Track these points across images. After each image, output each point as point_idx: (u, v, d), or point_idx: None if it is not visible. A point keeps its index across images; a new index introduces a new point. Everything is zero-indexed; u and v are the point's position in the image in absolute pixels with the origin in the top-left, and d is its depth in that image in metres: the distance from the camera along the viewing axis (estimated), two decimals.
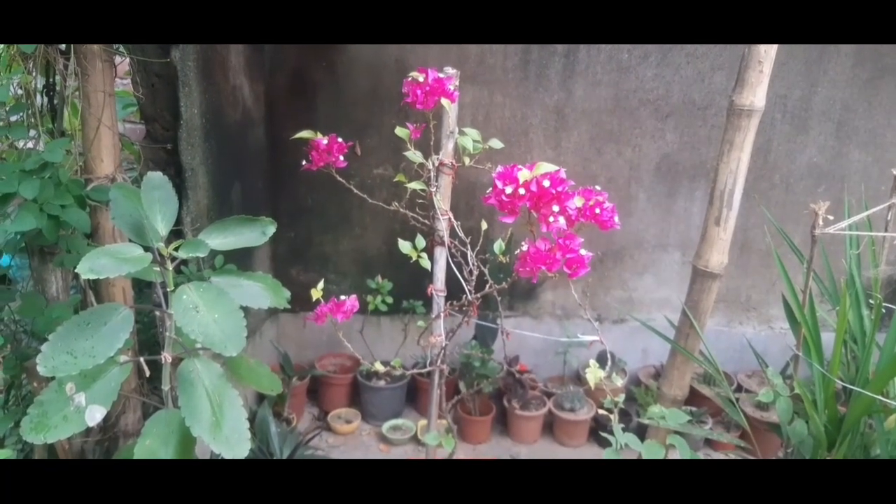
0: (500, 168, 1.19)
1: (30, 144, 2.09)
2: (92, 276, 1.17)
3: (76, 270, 1.17)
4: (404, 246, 1.77)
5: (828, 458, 1.80)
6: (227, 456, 1.31)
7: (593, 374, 1.42)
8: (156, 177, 1.38)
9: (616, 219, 1.25)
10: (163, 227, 1.36)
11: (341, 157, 1.75)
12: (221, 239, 1.42)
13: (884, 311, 1.77)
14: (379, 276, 3.12)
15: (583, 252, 1.18)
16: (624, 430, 1.79)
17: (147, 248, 1.32)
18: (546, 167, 1.14)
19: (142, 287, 2.22)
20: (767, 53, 1.75)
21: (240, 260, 2.45)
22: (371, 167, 3.06)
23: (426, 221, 1.82)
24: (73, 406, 1.32)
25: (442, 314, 1.85)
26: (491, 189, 1.19)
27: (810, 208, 1.68)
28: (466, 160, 1.73)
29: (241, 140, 2.74)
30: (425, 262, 1.78)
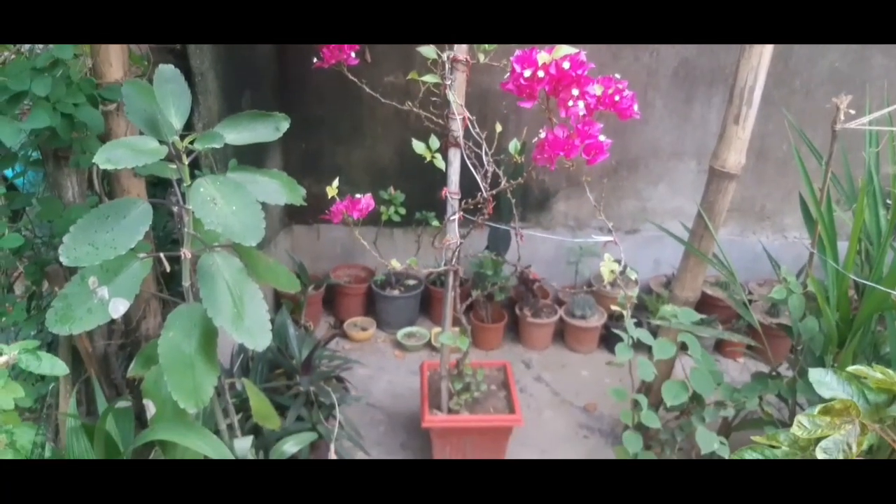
0: (518, 52, 1.16)
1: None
2: (109, 167, 1.17)
3: (94, 161, 1.17)
4: (418, 146, 1.75)
5: (836, 357, 1.82)
6: (250, 346, 1.34)
7: (607, 268, 1.43)
8: (167, 70, 1.36)
9: (636, 107, 1.23)
10: (177, 120, 1.35)
11: (353, 55, 1.71)
12: (235, 134, 1.41)
13: None
14: (391, 187, 3.12)
15: (602, 138, 1.16)
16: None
17: (162, 142, 1.32)
18: (565, 49, 1.11)
19: (154, 194, 2.23)
20: None
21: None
22: (382, 75, 3.00)
23: (440, 121, 1.80)
24: (96, 299, 1.34)
25: (456, 216, 1.86)
26: (509, 74, 1.17)
27: (832, 102, 1.65)
28: (481, 56, 1.70)
29: (249, 47, 2.69)
30: (439, 163, 1.77)
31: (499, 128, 1.77)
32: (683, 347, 1.92)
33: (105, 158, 1.18)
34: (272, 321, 1.42)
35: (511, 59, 1.16)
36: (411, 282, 3.24)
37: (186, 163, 1.36)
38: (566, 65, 1.09)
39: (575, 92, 1.10)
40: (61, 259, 1.22)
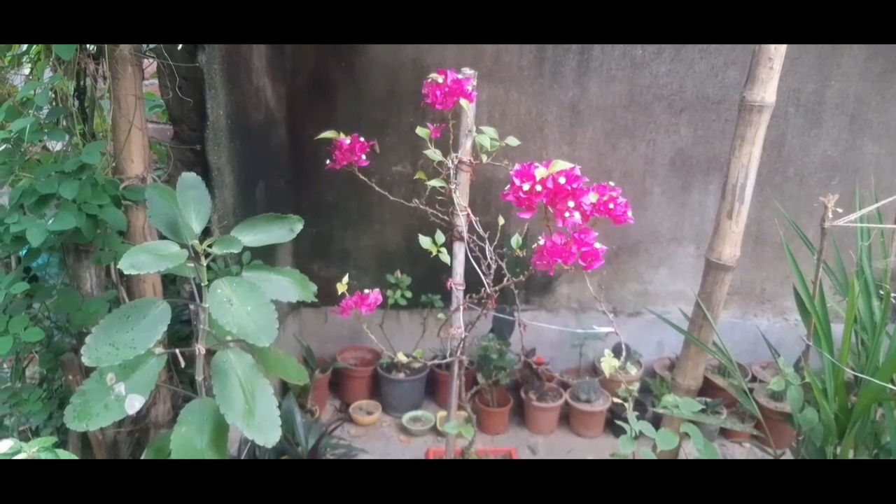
0: (517, 166, 1.24)
1: (57, 146, 2.16)
2: (133, 272, 1.24)
3: (119, 266, 1.25)
4: (424, 241, 1.83)
5: (837, 446, 1.84)
6: (260, 442, 1.38)
7: (608, 364, 1.47)
8: (190, 177, 1.45)
9: (629, 213, 1.30)
10: (197, 225, 1.43)
11: (363, 156, 1.81)
12: (252, 236, 1.49)
13: (894, 301, 1.80)
14: (398, 271, 3.20)
15: (597, 245, 1.23)
16: (639, 419, 1.84)
17: (182, 245, 1.39)
18: (561, 164, 1.19)
19: (166, 284, 2.31)
20: (777, 50, 1.79)
21: (264, 256, 2.52)
22: (390, 165, 3.12)
23: (445, 217, 1.88)
24: (113, 395, 1.39)
25: (461, 307, 1.91)
26: (509, 186, 1.25)
27: (820, 201, 1.72)
28: (484, 157, 1.79)
29: (264, 140, 2.81)
30: (445, 257, 1.83)
31: (501, 221, 1.85)
32: (688, 435, 1.94)
33: (129, 264, 1.25)
34: (279, 406, 1.46)
35: (511, 172, 1.24)
36: (417, 364, 3.26)
37: (205, 264, 1.43)
38: (562, 180, 1.17)
39: (571, 204, 1.18)
40: (83, 360, 1.28)
